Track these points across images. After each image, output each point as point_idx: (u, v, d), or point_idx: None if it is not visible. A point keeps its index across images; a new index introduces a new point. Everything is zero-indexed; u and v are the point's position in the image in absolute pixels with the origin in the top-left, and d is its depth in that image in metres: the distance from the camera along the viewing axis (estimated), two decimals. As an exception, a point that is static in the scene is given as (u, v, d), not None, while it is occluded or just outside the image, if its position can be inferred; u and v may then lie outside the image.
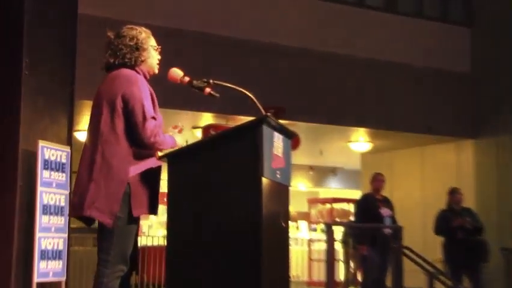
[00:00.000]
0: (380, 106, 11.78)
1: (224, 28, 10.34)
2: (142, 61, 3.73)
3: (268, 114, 3.49)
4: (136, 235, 3.67)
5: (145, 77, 3.74)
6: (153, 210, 3.65)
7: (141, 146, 3.57)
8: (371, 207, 8.92)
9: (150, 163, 3.63)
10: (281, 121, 3.86)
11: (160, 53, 3.83)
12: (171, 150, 3.64)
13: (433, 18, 12.58)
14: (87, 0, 8.05)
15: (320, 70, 11.27)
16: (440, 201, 9.67)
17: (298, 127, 10.59)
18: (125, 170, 3.52)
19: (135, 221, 3.59)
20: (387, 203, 9.12)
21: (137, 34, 3.75)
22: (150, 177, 3.61)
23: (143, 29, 3.82)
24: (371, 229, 8.75)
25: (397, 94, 11.95)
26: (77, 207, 3.54)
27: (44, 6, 5.45)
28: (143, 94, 3.58)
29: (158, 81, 3.95)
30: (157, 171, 3.66)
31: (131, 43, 3.72)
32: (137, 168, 3.57)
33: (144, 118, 3.53)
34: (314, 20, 11.26)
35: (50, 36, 5.56)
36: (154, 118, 3.57)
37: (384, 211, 8.90)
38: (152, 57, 3.79)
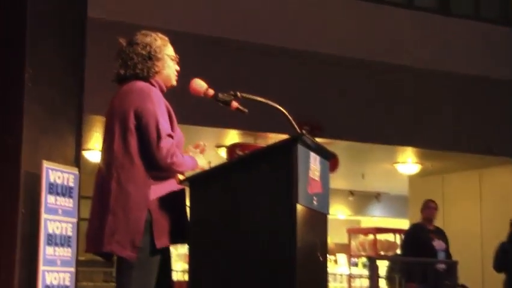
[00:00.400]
0: (431, 123, 11.71)
1: (251, 34, 10.36)
2: (157, 72, 3.75)
3: (304, 131, 3.49)
4: (168, 266, 3.68)
5: (161, 89, 3.76)
6: (178, 239, 3.65)
7: (157, 168, 3.56)
8: (422, 239, 8.86)
9: (171, 186, 3.64)
10: (318, 139, 3.86)
11: (179, 63, 3.86)
12: (193, 173, 3.64)
13: (496, 22, 12.52)
14: (97, 2, 8.13)
15: (361, 81, 11.25)
16: (501, 232, 9.57)
17: (336, 146, 10.56)
18: (144, 195, 3.53)
19: (159, 252, 3.58)
20: (440, 234, 9.05)
21: (151, 41, 3.77)
22: (173, 202, 3.61)
23: (159, 35, 3.84)
24: (421, 264, 8.68)
25: (451, 109, 11.88)
26: (95, 242, 3.56)
27: (49, 11, 5.51)
28: (158, 109, 3.59)
29: (178, 94, 3.97)
30: (180, 194, 3.66)
31: (144, 52, 3.74)
32: (157, 192, 3.56)
33: (159, 136, 3.53)
34: (354, 24, 11.26)
35: (56, 43, 5.61)
36: (170, 136, 3.58)
37: (438, 243, 8.83)
38: (169, 67, 3.80)
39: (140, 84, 3.68)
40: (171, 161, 3.54)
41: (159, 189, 3.58)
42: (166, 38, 3.86)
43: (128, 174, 3.56)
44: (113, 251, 3.53)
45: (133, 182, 3.54)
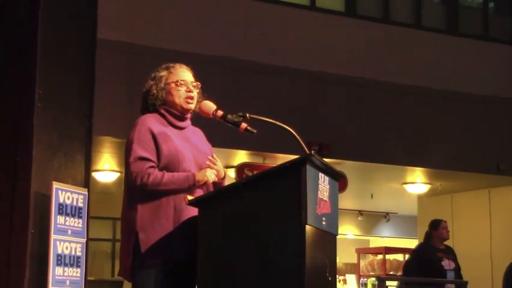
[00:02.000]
0: (440, 142, 11.69)
1: (259, 54, 10.38)
2: (162, 102, 3.94)
3: (312, 152, 3.50)
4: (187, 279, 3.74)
5: (174, 116, 3.86)
6: (167, 255, 3.68)
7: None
8: (430, 258, 8.81)
9: (161, 206, 3.73)
10: (326, 160, 3.86)
11: (190, 88, 3.94)
12: (200, 195, 3.70)
13: (502, 41, 12.53)
14: (107, 23, 8.16)
15: (369, 101, 11.26)
16: (511, 251, 9.52)
17: (345, 166, 10.56)
18: (133, 218, 3.72)
19: (154, 268, 3.66)
20: (449, 253, 8.99)
21: (155, 75, 3.99)
22: (165, 220, 3.71)
23: (170, 65, 4.02)
24: (431, 284, 8.62)
25: (460, 128, 11.86)
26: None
27: (59, 32, 5.53)
28: (137, 136, 3.79)
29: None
30: (170, 213, 3.75)
31: (148, 86, 3.98)
32: (144, 214, 3.71)
33: (128, 161, 3.76)
34: (363, 44, 11.27)
35: (66, 64, 5.63)
36: (143, 159, 3.72)
37: (447, 263, 8.78)
38: (173, 95, 3.94)
39: (140, 117, 3.92)
40: (142, 182, 3.69)
41: (146, 211, 3.72)
42: (178, 65, 3.99)
43: (126, 201, 3.83)
44: (120, 276, 3.83)
45: (128, 208, 3.79)
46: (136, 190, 3.74)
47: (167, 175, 3.70)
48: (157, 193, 3.72)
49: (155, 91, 3.94)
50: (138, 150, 3.74)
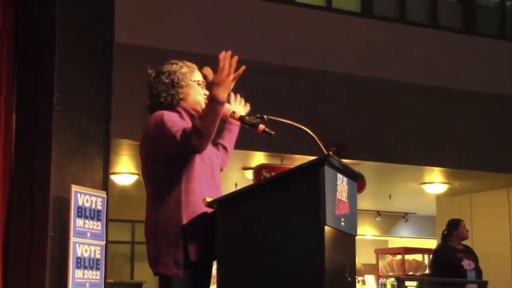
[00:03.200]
0: (458, 142, 11.64)
1: (271, 55, 10.35)
2: (181, 99, 3.84)
3: (330, 152, 3.49)
4: (206, 285, 3.74)
5: (190, 116, 3.82)
6: (209, 254, 3.68)
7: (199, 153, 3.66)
8: (450, 259, 8.77)
9: (199, 206, 3.69)
10: (344, 160, 3.85)
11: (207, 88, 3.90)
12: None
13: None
14: (124, 26, 8.18)
15: (387, 101, 11.22)
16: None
17: (363, 167, 10.53)
18: (178, 217, 3.63)
19: (195, 268, 3.65)
20: (469, 253, 8.95)
21: (176, 69, 3.87)
22: (202, 220, 3.67)
23: (187, 63, 3.93)
24: (451, 284, 8.58)
25: (479, 127, 11.81)
26: (150, 266, 3.74)
27: (77, 35, 5.55)
28: (170, 124, 3.64)
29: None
30: (208, 213, 3.70)
31: (168, 80, 3.84)
32: (190, 215, 3.65)
33: (173, 137, 3.58)
34: (381, 44, 11.24)
35: (84, 68, 5.65)
36: (183, 129, 3.60)
37: (467, 263, 8.73)
38: (195, 93, 3.87)
39: (157, 113, 3.76)
40: (191, 143, 3.55)
41: (190, 211, 3.66)
42: (194, 65, 3.94)
43: (160, 198, 3.69)
44: (160, 272, 3.66)
45: (165, 206, 3.66)
46: (194, 153, 3.62)
47: (197, 117, 3.63)
48: (193, 184, 3.65)
49: (184, 83, 3.83)
50: (177, 126, 3.62)
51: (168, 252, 3.62)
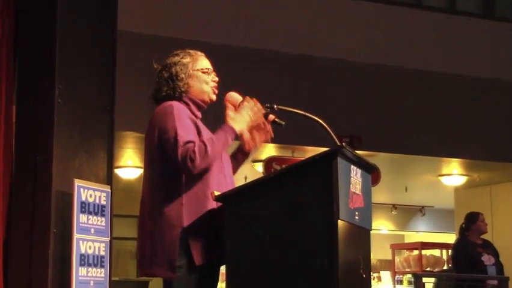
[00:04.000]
0: (477, 132, 11.61)
1: (285, 44, 10.33)
2: (185, 90, 3.84)
3: (344, 144, 3.49)
4: (213, 285, 3.74)
5: (197, 106, 3.83)
6: (216, 257, 3.67)
7: (193, 177, 3.65)
8: (471, 254, 8.76)
9: (206, 202, 3.67)
10: (358, 152, 3.85)
11: (217, 75, 3.90)
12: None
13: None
14: (129, 15, 8.17)
15: (402, 89, 11.19)
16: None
17: (378, 158, 10.52)
18: (178, 214, 3.61)
19: (198, 270, 3.63)
20: (489, 247, 8.94)
21: (177, 61, 3.89)
22: (208, 219, 3.65)
23: (191, 52, 3.94)
24: (470, 281, 8.58)
25: (498, 117, 11.77)
26: (140, 265, 3.73)
27: (79, 25, 5.56)
28: (178, 123, 3.66)
29: (210, 109, 3.99)
30: (215, 211, 3.69)
31: (167, 74, 3.87)
32: (190, 210, 3.63)
33: (176, 147, 3.60)
34: (394, 29, 11.20)
35: (86, 58, 5.65)
36: (190, 142, 3.62)
37: (487, 258, 8.73)
38: (201, 82, 3.88)
39: (165, 104, 3.78)
40: (191, 160, 3.57)
41: (192, 207, 3.64)
42: (199, 53, 3.94)
43: (160, 194, 3.68)
44: (154, 273, 3.65)
45: (166, 202, 3.65)
46: (187, 173, 3.63)
47: (208, 140, 3.63)
48: (195, 184, 3.65)
49: (183, 76, 3.84)
50: (185, 136, 3.62)
51: (164, 253, 3.61)
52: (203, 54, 3.97)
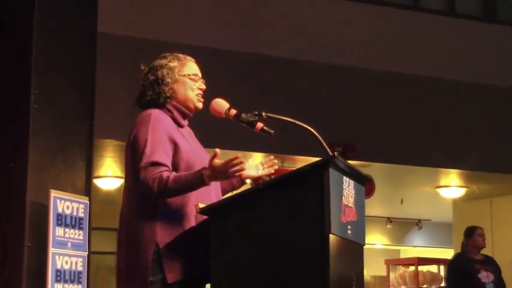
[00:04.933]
0: (478, 141, 11.64)
1: (269, 46, 10.33)
2: (170, 96, 3.84)
3: (336, 153, 3.49)
4: None
5: (182, 114, 3.83)
6: (193, 273, 3.66)
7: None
8: (466, 270, 8.77)
9: (184, 216, 3.67)
10: (351, 162, 3.86)
11: (203, 79, 3.90)
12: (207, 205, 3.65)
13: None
14: (111, 16, 8.16)
15: (399, 96, 11.21)
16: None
17: (372, 169, 10.52)
18: (151, 229, 3.62)
19: (180, 286, 3.63)
20: (489, 264, 8.95)
21: (164, 64, 3.89)
22: (185, 233, 3.65)
23: (180, 56, 3.95)
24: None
25: (499, 126, 11.80)
26: (116, 280, 3.76)
27: (57, 26, 5.54)
28: (151, 136, 3.66)
29: (197, 116, 3.99)
30: (192, 224, 3.69)
31: (153, 77, 3.86)
32: (165, 224, 3.64)
33: (138, 166, 3.62)
34: (395, 35, 11.22)
35: (64, 61, 5.64)
36: (155, 164, 3.61)
37: (484, 275, 8.74)
38: (186, 88, 3.87)
39: (146, 112, 3.78)
40: (148, 189, 3.58)
41: (168, 221, 3.65)
42: (188, 58, 3.94)
43: (135, 206, 3.70)
44: None
45: (140, 215, 3.67)
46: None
47: (174, 175, 3.60)
48: (172, 198, 3.64)
49: (169, 80, 3.84)
50: (151, 155, 3.62)
51: (136, 269, 3.63)
52: (192, 59, 3.97)
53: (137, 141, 3.68)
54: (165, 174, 3.59)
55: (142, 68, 3.93)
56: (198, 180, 3.59)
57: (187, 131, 3.93)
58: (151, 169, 3.60)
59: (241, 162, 3.64)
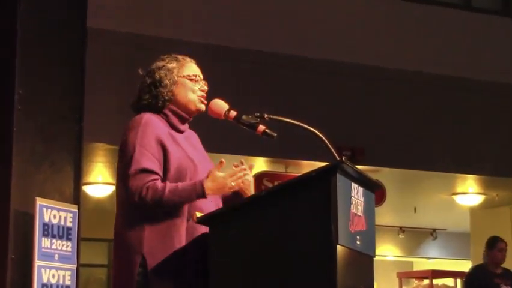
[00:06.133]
0: (496, 146, 11.64)
1: (274, 43, 10.34)
2: (167, 100, 3.87)
3: (344, 158, 3.49)
4: None
5: (181, 119, 3.84)
6: (183, 284, 3.67)
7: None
8: (486, 285, 8.76)
9: (173, 225, 3.68)
10: (360, 167, 3.86)
11: (206, 83, 3.92)
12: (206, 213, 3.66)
13: None
14: (102, 12, 8.15)
15: (411, 97, 11.21)
16: None
17: (383, 174, 10.54)
18: (138, 238, 3.64)
19: None
20: (509, 278, 8.95)
21: (162, 66, 3.91)
22: (172, 243, 3.66)
23: (178, 57, 3.98)
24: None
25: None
26: None
27: (43, 21, 5.55)
28: (139, 141, 3.68)
29: (194, 118, 4.00)
30: (182, 234, 3.70)
31: (150, 80, 3.89)
32: (153, 234, 3.66)
33: (126, 173, 3.64)
34: (403, 33, 11.23)
35: (51, 59, 5.65)
36: (145, 171, 3.63)
37: (505, 290, 8.75)
38: (187, 89, 3.89)
39: (139, 115, 3.81)
40: (140, 198, 3.60)
41: (157, 231, 3.66)
42: (188, 58, 3.96)
43: (123, 216, 3.73)
44: None
45: (127, 225, 3.69)
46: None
47: (170, 186, 3.62)
48: (163, 210, 3.66)
49: (167, 82, 3.85)
50: (141, 161, 3.64)
51: (122, 279, 3.69)
52: (192, 60, 3.99)
53: (126, 146, 3.71)
54: (159, 184, 3.62)
55: (140, 73, 3.95)
56: (197, 194, 3.64)
57: (186, 135, 3.93)
58: (141, 176, 3.62)
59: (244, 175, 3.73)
